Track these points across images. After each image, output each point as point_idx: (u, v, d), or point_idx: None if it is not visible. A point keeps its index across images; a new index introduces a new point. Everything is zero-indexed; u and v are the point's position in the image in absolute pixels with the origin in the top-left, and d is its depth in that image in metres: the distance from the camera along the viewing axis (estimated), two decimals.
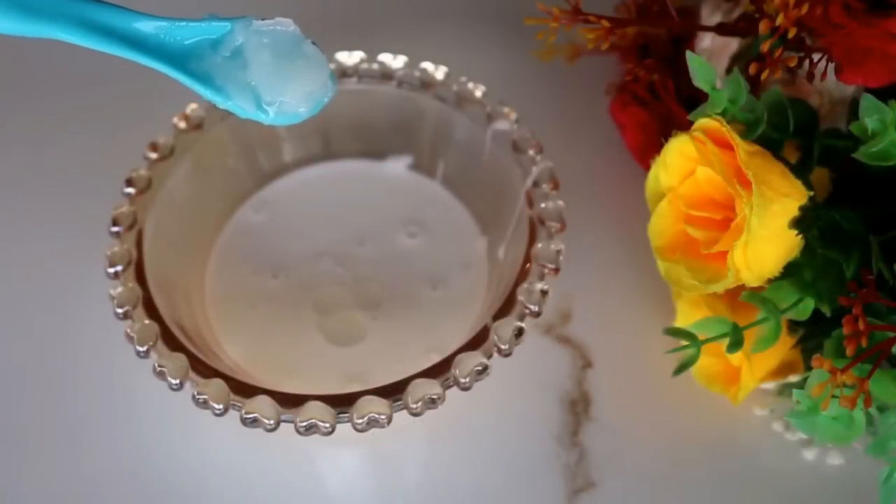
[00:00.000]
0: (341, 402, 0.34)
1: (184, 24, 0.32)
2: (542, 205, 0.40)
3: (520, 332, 0.36)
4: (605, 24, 0.39)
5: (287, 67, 0.32)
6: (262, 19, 0.32)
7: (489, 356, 0.35)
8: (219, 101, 0.32)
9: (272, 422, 0.34)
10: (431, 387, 0.35)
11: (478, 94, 0.44)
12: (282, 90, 0.32)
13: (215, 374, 0.35)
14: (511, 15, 0.46)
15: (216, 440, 0.41)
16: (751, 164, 0.32)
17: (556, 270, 0.38)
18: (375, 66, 0.45)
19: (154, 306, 0.37)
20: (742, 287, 0.34)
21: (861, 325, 0.31)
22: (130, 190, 0.41)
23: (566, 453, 0.41)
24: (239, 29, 0.32)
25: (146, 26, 0.32)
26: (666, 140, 0.35)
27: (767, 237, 0.33)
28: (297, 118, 0.32)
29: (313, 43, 0.32)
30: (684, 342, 0.36)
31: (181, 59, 0.32)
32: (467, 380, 0.35)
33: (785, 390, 0.40)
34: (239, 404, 0.34)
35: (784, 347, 0.38)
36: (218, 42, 0.32)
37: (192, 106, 0.43)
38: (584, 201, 0.44)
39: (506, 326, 0.36)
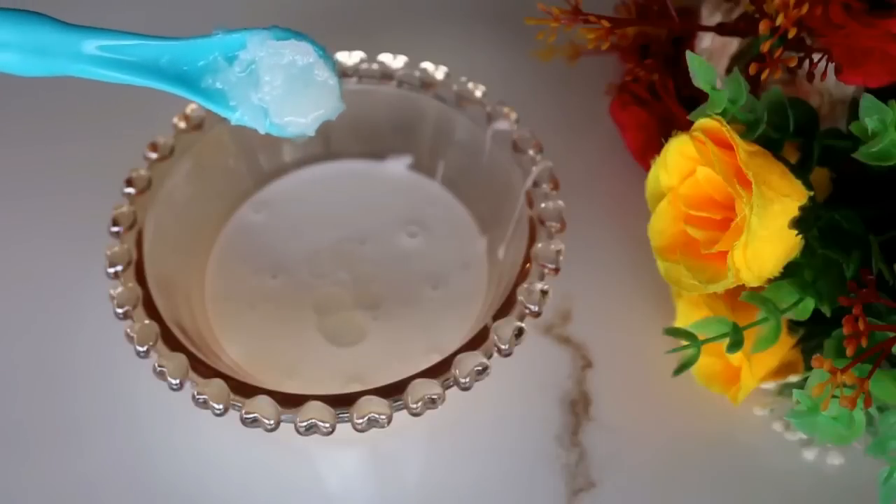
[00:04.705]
0: (341, 402, 0.34)
1: (195, 42, 0.32)
2: (542, 205, 0.40)
3: (520, 332, 0.36)
4: (605, 24, 0.39)
5: (299, 92, 0.32)
6: (275, 29, 0.32)
7: (489, 356, 0.35)
8: (230, 117, 0.32)
9: (272, 422, 0.34)
10: (431, 387, 0.35)
11: (478, 94, 0.44)
12: (292, 112, 0.32)
13: (215, 374, 0.35)
14: (511, 15, 0.46)
15: (216, 440, 0.41)
16: (751, 164, 0.32)
17: (556, 270, 0.38)
18: (375, 66, 0.45)
19: (154, 306, 0.37)
20: (742, 287, 0.34)
21: (861, 325, 0.31)
22: (130, 190, 0.41)
23: (566, 453, 0.41)
24: (253, 46, 0.32)
25: (158, 51, 0.32)
26: (666, 140, 0.35)
27: (767, 237, 0.33)
28: (303, 135, 0.33)
29: (327, 56, 0.32)
30: (684, 342, 0.36)
31: (194, 79, 0.32)
32: (467, 380, 0.35)
33: (785, 390, 0.40)
34: (239, 404, 0.34)
35: (784, 347, 0.38)
36: (232, 59, 0.32)
37: (192, 106, 0.43)
38: (584, 201, 0.44)
39: (506, 326, 0.36)
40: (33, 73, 0.31)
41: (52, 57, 0.30)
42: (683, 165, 0.35)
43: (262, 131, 0.33)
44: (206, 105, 0.32)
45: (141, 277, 0.38)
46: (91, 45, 0.31)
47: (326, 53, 0.32)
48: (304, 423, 0.34)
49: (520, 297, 0.37)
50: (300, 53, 0.32)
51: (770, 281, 0.34)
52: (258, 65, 0.32)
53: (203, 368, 0.36)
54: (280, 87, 0.32)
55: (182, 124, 0.43)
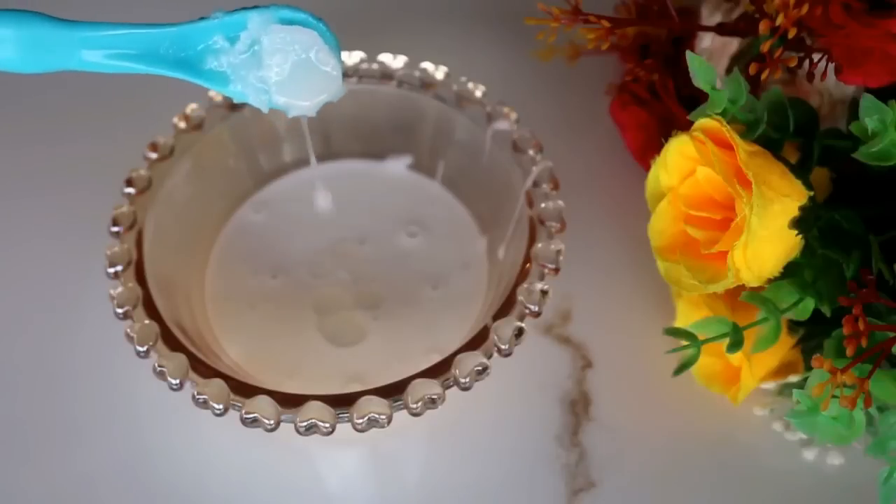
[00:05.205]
0: (341, 402, 0.34)
1: (194, 26, 0.32)
2: (542, 205, 0.40)
3: (520, 332, 0.36)
4: (605, 24, 0.39)
5: (302, 77, 0.32)
6: (274, 7, 0.32)
7: (489, 356, 0.35)
8: (232, 95, 0.33)
9: (272, 422, 0.34)
10: (431, 387, 0.35)
11: (478, 94, 0.44)
12: (294, 95, 0.32)
13: (215, 374, 0.35)
14: (511, 15, 0.46)
15: (216, 440, 0.41)
16: (751, 164, 0.32)
17: (556, 270, 0.38)
18: (375, 66, 0.45)
19: (154, 306, 0.37)
20: (742, 287, 0.34)
21: (861, 325, 0.31)
22: (130, 190, 0.41)
23: (566, 453, 0.41)
24: (254, 25, 0.32)
25: (157, 39, 0.32)
26: (666, 140, 0.35)
27: (767, 237, 0.33)
28: (303, 115, 0.33)
29: (330, 33, 0.32)
30: (684, 342, 0.36)
31: (196, 62, 0.32)
32: (467, 380, 0.35)
33: (785, 390, 0.40)
34: (239, 404, 0.34)
35: (784, 347, 0.38)
36: (234, 40, 0.32)
37: (192, 106, 0.43)
38: (584, 201, 0.44)
39: (506, 326, 0.36)
40: (35, 69, 0.31)
41: (52, 52, 0.31)
42: (683, 165, 0.35)
43: (264, 109, 0.33)
44: (209, 86, 0.32)
45: (141, 277, 0.38)
46: (89, 39, 0.31)
47: (329, 30, 0.33)
48: (304, 423, 0.34)
49: (520, 297, 0.37)
50: (306, 40, 0.32)
51: (770, 281, 0.34)
52: (262, 47, 0.32)
53: (203, 368, 0.36)
54: (284, 72, 0.32)
55: (182, 124, 0.43)
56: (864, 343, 0.31)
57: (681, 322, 0.39)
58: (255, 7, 0.32)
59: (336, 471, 0.42)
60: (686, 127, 0.35)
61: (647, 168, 0.37)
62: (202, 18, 0.32)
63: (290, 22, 0.32)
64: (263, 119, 0.44)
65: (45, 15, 0.31)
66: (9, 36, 0.30)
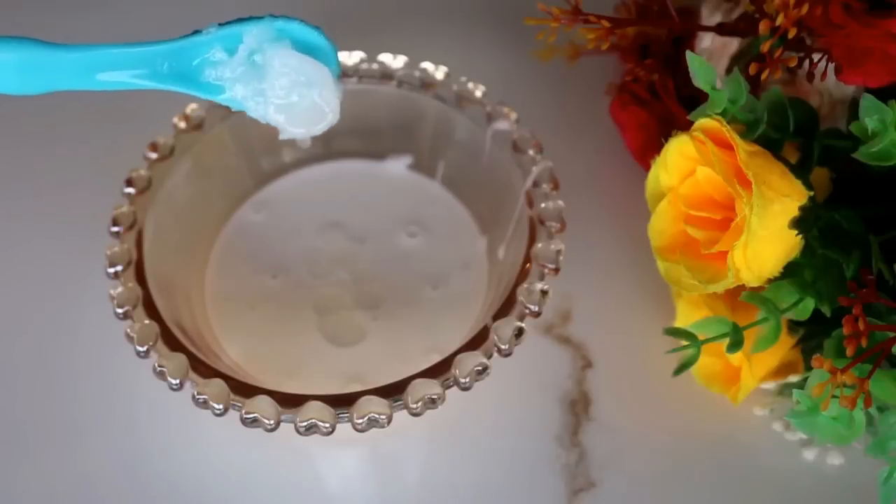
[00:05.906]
0: (341, 402, 0.34)
1: (190, 41, 0.32)
2: (542, 205, 0.40)
3: (520, 332, 0.36)
4: (605, 24, 0.39)
5: (302, 108, 0.32)
6: (269, 18, 0.32)
7: (489, 356, 0.35)
8: (231, 105, 0.33)
9: (272, 422, 0.34)
10: (431, 387, 0.35)
11: (478, 94, 0.44)
12: (289, 121, 0.33)
13: (215, 374, 0.35)
14: (511, 15, 0.46)
15: (216, 440, 0.41)
16: (751, 164, 0.32)
17: (556, 270, 0.38)
18: (375, 66, 0.45)
19: (154, 306, 0.37)
20: (742, 287, 0.34)
21: (861, 325, 0.31)
22: (130, 190, 0.41)
23: (566, 453, 0.41)
24: (251, 39, 0.32)
25: (153, 56, 0.32)
26: (666, 140, 0.35)
27: (767, 237, 0.33)
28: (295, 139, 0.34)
29: (330, 43, 0.32)
30: (684, 342, 0.36)
31: (194, 76, 0.32)
32: (467, 380, 0.35)
33: (785, 390, 0.40)
34: (239, 404, 0.34)
35: (784, 347, 0.38)
36: (232, 51, 0.32)
37: (192, 106, 0.43)
38: (584, 201, 0.45)
39: (506, 326, 0.36)
40: (33, 91, 0.31)
41: (49, 74, 0.31)
42: (683, 165, 0.35)
43: (262, 121, 0.33)
44: (207, 97, 0.32)
45: (141, 277, 0.38)
46: (82, 60, 0.32)
47: (325, 37, 0.32)
48: (304, 423, 0.34)
49: (520, 297, 0.37)
50: (315, 75, 0.32)
51: (770, 281, 0.34)
52: (271, 66, 0.32)
53: (203, 368, 0.36)
54: (285, 97, 0.32)
55: (182, 124, 0.43)
56: (864, 343, 0.31)
57: (681, 322, 0.39)
58: (250, 18, 0.32)
59: (336, 471, 0.42)
60: (686, 127, 0.35)
61: (647, 168, 0.37)
62: (196, 32, 0.32)
63: (286, 32, 0.32)
64: None
65: (40, 40, 0.31)
66: (7, 61, 0.30)
